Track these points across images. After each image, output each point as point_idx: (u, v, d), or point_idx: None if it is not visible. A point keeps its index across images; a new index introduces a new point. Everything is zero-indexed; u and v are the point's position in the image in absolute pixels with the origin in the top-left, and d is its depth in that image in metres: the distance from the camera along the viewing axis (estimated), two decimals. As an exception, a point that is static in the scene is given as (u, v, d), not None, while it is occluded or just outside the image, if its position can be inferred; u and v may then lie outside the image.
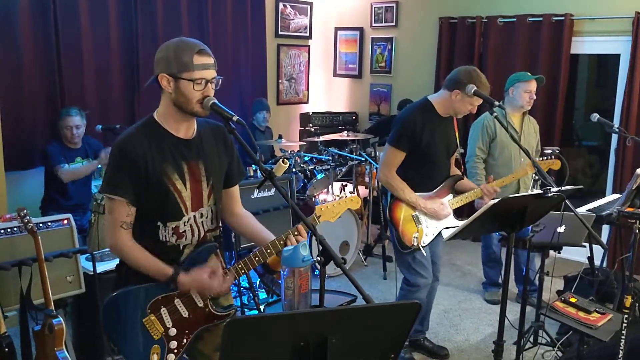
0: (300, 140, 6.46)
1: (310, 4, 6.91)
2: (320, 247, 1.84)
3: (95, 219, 3.97)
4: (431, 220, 3.40)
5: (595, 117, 4.11)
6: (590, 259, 3.89)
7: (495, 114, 3.02)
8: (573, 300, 2.90)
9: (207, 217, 2.18)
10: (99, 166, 4.35)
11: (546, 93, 5.42)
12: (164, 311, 2.07)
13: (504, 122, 3.03)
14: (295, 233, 2.15)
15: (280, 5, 6.59)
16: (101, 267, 3.29)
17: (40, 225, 3.05)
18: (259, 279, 4.51)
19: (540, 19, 5.50)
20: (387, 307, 1.55)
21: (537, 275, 3.50)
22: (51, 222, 3.18)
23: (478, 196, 3.46)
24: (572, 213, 2.82)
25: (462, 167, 3.75)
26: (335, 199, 2.25)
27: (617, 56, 5.31)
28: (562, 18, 5.37)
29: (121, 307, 2.05)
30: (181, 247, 2.13)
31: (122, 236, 2.05)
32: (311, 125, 6.68)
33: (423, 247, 3.34)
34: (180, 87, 1.98)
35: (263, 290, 4.50)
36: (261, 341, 1.39)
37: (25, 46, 4.48)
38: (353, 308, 1.53)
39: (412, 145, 3.29)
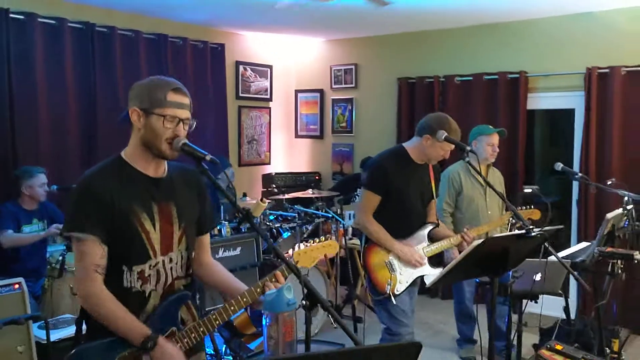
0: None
1: (270, 67, 6.97)
2: (305, 291, 1.71)
3: (49, 285, 3.72)
4: (405, 267, 3.30)
5: (559, 166, 4.17)
6: (566, 308, 3.83)
7: (467, 159, 3.01)
8: (559, 347, 2.80)
9: (176, 263, 2.01)
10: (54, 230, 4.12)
11: (506, 148, 5.50)
12: None
13: (477, 167, 3.02)
14: (273, 280, 2.01)
15: (241, 68, 6.62)
16: (55, 335, 3.04)
17: (-11, 289, 2.83)
18: (224, 345, 4.25)
19: (496, 77, 5.66)
20: (384, 348, 1.41)
21: (508, 329, 3.36)
22: (1, 286, 2.95)
23: (455, 244, 3.39)
24: (548, 260, 2.77)
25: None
26: (314, 243, 2.15)
27: (573, 110, 5.47)
28: (517, 75, 5.53)
29: None
30: (146, 293, 1.95)
31: (98, 283, 1.85)
32: (274, 185, 6.58)
33: (397, 295, 3.23)
34: (150, 123, 1.88)
35: (230, 357, 4.23)
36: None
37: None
38: (348, 350, 1.38)
39: (384, 189, 3.24)
